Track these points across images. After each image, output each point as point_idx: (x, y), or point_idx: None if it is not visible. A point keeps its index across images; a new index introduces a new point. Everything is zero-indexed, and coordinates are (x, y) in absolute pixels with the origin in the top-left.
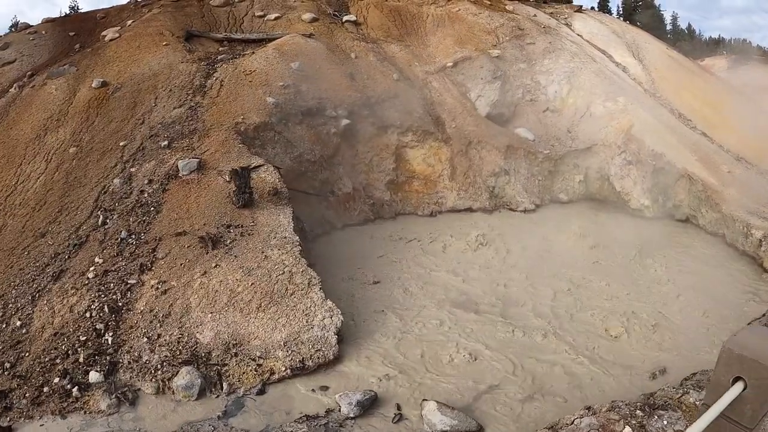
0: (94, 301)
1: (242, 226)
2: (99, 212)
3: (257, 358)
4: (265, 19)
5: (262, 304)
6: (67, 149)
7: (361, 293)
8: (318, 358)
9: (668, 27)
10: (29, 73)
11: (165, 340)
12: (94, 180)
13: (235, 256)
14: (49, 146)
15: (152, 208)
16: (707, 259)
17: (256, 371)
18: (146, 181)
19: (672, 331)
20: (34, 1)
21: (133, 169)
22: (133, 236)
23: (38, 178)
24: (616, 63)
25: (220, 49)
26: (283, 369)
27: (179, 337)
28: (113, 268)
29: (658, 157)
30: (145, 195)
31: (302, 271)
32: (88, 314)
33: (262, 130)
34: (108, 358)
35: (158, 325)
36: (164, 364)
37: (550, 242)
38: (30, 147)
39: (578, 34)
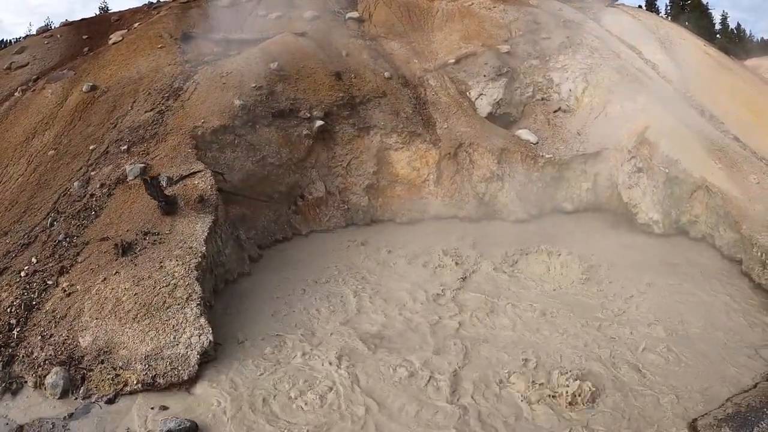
0: (17, 298)
1: (158, 234)
2: (53, 214)
3: (118, 368)
4: (267, 18)
5: (138, 315)
6: (46, 152)
7: (273, 311)
8: (171, 376)
9: (717, 27)
10: (35, 77)
11: (54, 340)
12: (59, 183)
13: (135, 264)
14: (34, 149)
15: (93, 212)
16: (711, 293)
17: (112, 380)
18: (98, 185)
19: (632, 404)
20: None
21: (93, 173)
22: (68, 239)
23: (17, 179)
24: (645, 60)
25: (215, 50)
26: (135, 382)
27: (65, 339)
28: (42, 269)
29: (672, 164)
30: (93, 199)
31: (186, 285)
32: (8, 309)
33: (221, 134)
34: (9, 350)
35: (54, 325)
36: (46, 362)
37: (527, 264)
38: (18, 149)
39: (607, 30)
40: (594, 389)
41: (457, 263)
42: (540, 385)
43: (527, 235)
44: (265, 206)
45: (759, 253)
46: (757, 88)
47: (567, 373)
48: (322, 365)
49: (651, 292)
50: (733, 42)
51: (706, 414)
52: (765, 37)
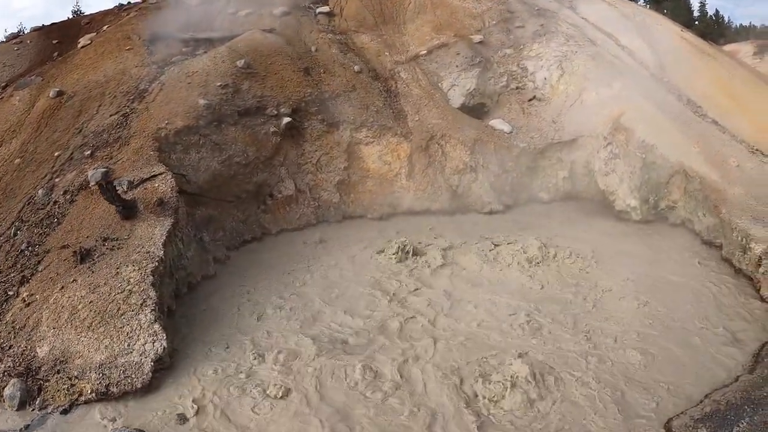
0: None
1: (117, 239)
2: (17, 223)
3: (73, 378)
4: (237, 15)
5: (93, 324)
6: (13, 161)
7: (236, 314)
8: (124, 385)
9: (696, 14)
10: (4, 84)
11: (13, 351)
12: (24, 191)
13: (93, 271)
14: (0, 158)
15: (56, 220)
16: (690, 280)
17: (68, 391)
18: (62, 192)
19: (602, 403)
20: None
21: (57, 180)
22: (30, 248)
23: None
24: (621, 46)
25: (184, 50)
26: (90, 392)
27: (24, 350)
28: (3, 280)
29: (648, 150)
30: (57, 206)
31: (141, 291)
32: None
33: (186, 135)
34: None
35: (13, 336)
36: (5, 373)
37: (499, 256)
38: None
39: (583, 17)
40: (562, 388)
41: (427, 259)
42: (504, 383)
43: (502, 227)
44: (234, 207)
45: (739, 238)
46: (735, 73)
47: (533, 371)
48: (281, 370)
49: (627, 282)
50: (711, 28)
51: (682, 413)
52: (744, 23)
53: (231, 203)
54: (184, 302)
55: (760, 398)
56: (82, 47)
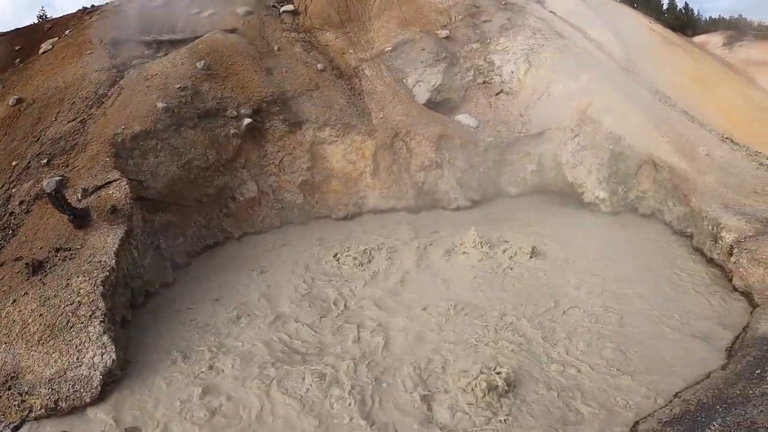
0: None
1: (70, 250)
2: None
3: (24, 394)
4: (200, 16)
5: (44, 337)
6: None
7: (192, 322)
8: (73, 399)
9: (665, 7)
10: None
11: None
12: None
13: (44, 283)
14: None
15: (11, 231)
16: (660, 272)
17: (18, 407)
18: (18, 203)
19: (566, 407)
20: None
21: (14, 190)
22: None
23: None
24: (590, 39)
25: (146, 52)
26: (39, 408)
27: None
28: None
29: (616, 140)
30: (12, 217)
31: (90, 302)
32: None
33: (143, 139)
34: None
35: None
36: None
37: (462, 252)
38: None
39: (551, 11)
40: (522, 393)
41: (388, 258)
42: (460, 387)
43: (468, 223)
44: (195, 211)
45: (710, 227)
46: (704, 63)
47: (492, 372)
48: (235, 379)
49: (596, 275)
50: (680, 20)
51: (649, 416)
52: (713, 16)
53: (190, 208)
54: (140, 311)
55: (733, 396)
56: (44, 53)
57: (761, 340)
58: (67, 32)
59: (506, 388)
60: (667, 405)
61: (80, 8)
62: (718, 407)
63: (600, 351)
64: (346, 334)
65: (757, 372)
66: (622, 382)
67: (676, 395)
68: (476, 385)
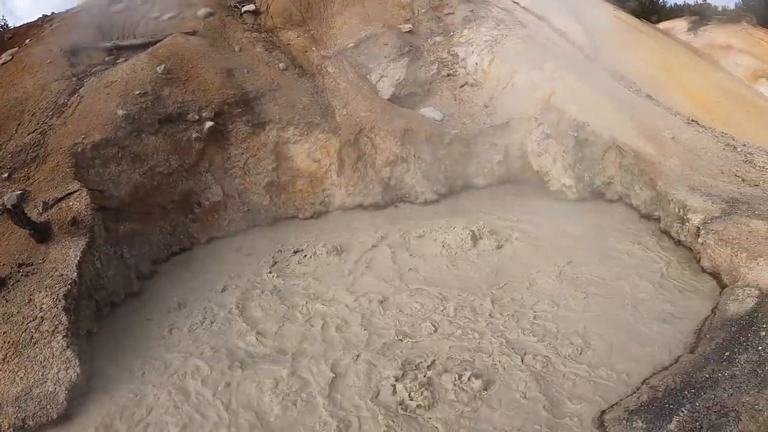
0: None
1: (32, 264)
2: None
3: None
4: (160, 19)
5: (8, 355)
6: None
7: (158, 332)
8: (40, 417)
9: None
10: None
11: None
12: None
13: (7, 300)
14: None
15: None
16: (628, 256)
17: None
18: None
19: (530, 399)
20: None
21: None
22: None
23: None
24: (554, 28)
25: (106, 59)
26: (7, 427)
27: None
28: None
29: (580, 127)
30: None
31: (53, 317)
32: None
33: (104, 148)
34: None
35: None
36: None
37: (425, 247)
38: None
39: (514, 1)
40: (483, 386)
41: (355, 256)
42: (423, 386)
43: (434, 216)
44: (160, 218)
45: (676, 209)
46: (669, 48)
47: (453, 369)
48: (199, 390)
49: (562, 263)
50: (645, 7)
51: (616, 404)
52: (678, 2)
53: (155, 215)
54: (106, 323)
55: (702, 381)
56: (3, 64)
57: (729, 321)
58: (27, 41)
59: (480, 386)
60: (634, 393)
61: (40, 16)
62: (686, 392)
63: (565, 339)
64: (311, 334)
65: (726, 354)
66: (587, 371)
67: (644, 382)
68: (440, 375)
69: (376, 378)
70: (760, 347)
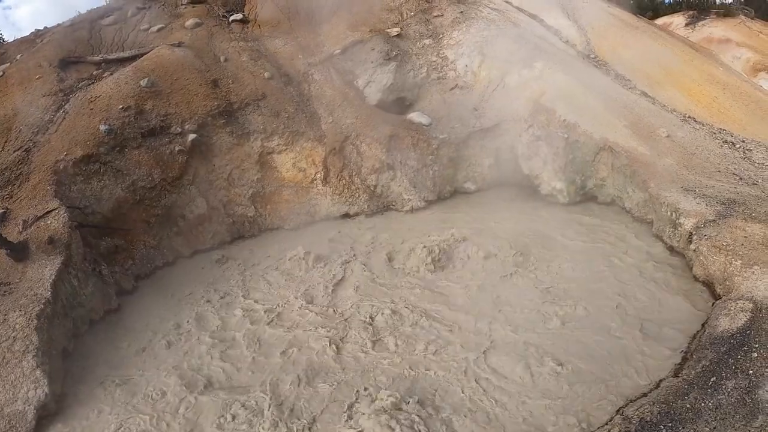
0: None
1: (9, 284)
2: None
3: None
4: (149, 31)
5: None
6: None
7: (133, 350)
8: None
9: None
10: None
11: None
12: None
13: None
14: None
15: None
16: (617, 263)
17: None
18: None
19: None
20: None
21: None
22: None
23: None
24: (547, 27)
25: (94, 73)
26: None
27: None
28: None
29: (571, 128)
30: None
31: (25, 336)
32: None
33: (86, 164)
34: None
35: None
36: None
37: (408, 258)
38: None
39: (506, 1)
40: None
41: (331, 270)
42: (386, 411)
43: (419, 224)
44: (144, 233)
45: (668, 212)
46: (665, 44)
47: (407, 398)
48: (161, 414)
49: (548, 271)
50: (643, 3)
51: None
52: None
53: (139, 230)
54: (83, 341)
55: (683, 411)
56: None
57: (719, 340)
58: (18, 57)
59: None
60: (605, 424)
61: (33, 30)
62: (662, 426)
63: (539, 359)
64: (287, 356)
65: (712, 380)
66: (558, 396)
67: (618, 411)
68: (396, 402)
69: (338, 404)
70: (750, 371)
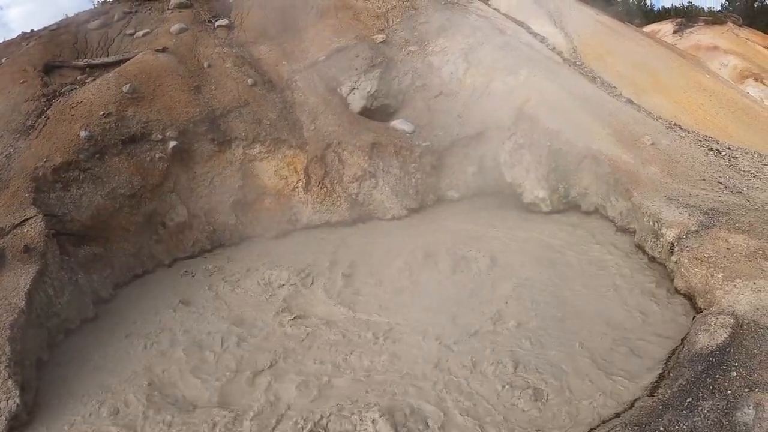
0: None
1: None
2: None
3: None
4: (134, 36)
5: None
6: None
7: (108, 361)
8: None
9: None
10: None
11: None
12: None
13: None
14: None
15: None
16: (595, 273)
17: None
18: None
19: None
20: None
21: None
22: None
23: None
24: (534, 34)
25: (78, 78)
26: None
27: None
28: None
29: (554, 136)
30: None
31: None
32: None
33: (65, 171)
34: None
35: None
36: None
37: (383, 267)
38: None
39: (494, 8)
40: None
41: (302, 283)
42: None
43: (400, 233)
44: (123, 240)
45: (650, 222)
46: (652, 51)
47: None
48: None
49: (524, 282)
50: (631, 11)
51: None
52: (666, 6)
53: (118, 237)
54: (59, 350)
55: None
56: None
57: (697, 357)
58: (3, 60)
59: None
60: None
61: (19, 33)
62: None
63: (506, 377)
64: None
65: (687, 401)
66: (525, 418)
67: None
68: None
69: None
70: (729, 391)
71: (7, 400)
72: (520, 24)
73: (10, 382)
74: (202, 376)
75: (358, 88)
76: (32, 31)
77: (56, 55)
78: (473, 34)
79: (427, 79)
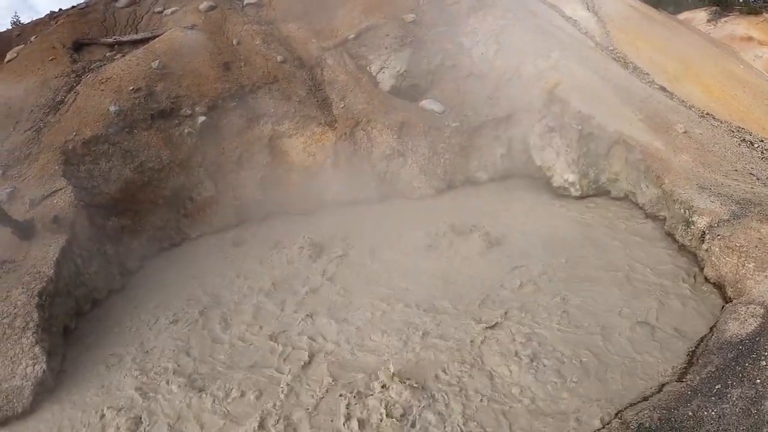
0: None
1: (14, 261)
2: None
3: None
4: (163, 14)
5: None
6: None
7: (134, 332)
8: (6, 410)
9: None
10: None
11: None
12: None
13: None
14: None
15: None
16: (624, 260)
17: None
18: None
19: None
20: None
21: None
22: None
23: None
24: (566, 17)
25: (107, 55)
26: None
27: None
28: None
29: (585, 120)
30: None
31: (25, 313)
32: None
33: (94, 144)
34: None
35: None
36: None
37: (410, 246)
38: None
39: None
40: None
41: (343, 254)
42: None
43: (427, 212)
44: (150, 213)
45: (682, 210)
46: (686, 39)
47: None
48: (166, 395)
49: (551, 267)
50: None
51: None
52: None
53: (146, 210)
54: (87, 319)
55: (684, 419)
56: (8, 61)
57: (727, 345)
58: (32, 38)
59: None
60: (603, 428)
61: (48, 12)
62: None
63: (534, 359)
64: (284, 342)
65: (717, 387)
66: (557, 398)
67: (617, 414)
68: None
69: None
70: (758, 380)
71: (34, 366)
72: (552, 7)
73: (37, 348)
74: (227, 348)
75: (387, 67)
76: (60, 10)
77: (85, 33)
78: (504, 16)
79: (457, 60)
